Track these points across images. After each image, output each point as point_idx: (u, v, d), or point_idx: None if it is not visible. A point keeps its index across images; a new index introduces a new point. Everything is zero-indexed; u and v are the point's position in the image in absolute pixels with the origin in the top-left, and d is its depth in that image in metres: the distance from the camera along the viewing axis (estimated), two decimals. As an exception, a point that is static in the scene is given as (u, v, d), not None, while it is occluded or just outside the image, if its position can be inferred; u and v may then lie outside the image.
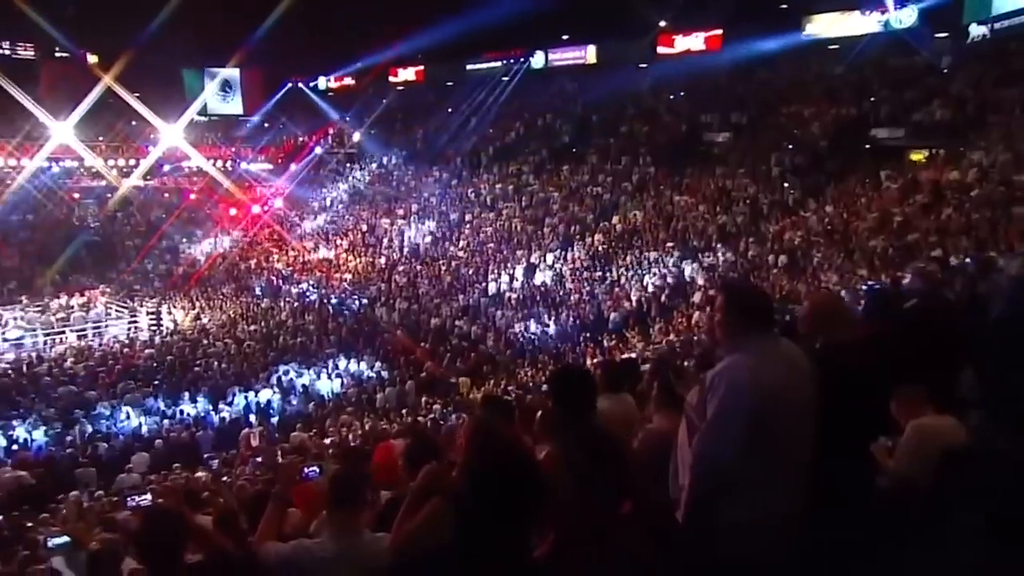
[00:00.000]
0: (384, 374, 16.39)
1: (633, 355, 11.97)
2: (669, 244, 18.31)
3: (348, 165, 32.48)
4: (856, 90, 20.90)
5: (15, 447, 12.77)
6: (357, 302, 21.44)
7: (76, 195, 30.93)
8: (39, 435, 13.20)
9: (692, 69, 25.08)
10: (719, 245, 17.46)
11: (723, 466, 2.50)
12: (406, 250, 24.29)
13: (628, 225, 20.19)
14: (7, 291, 25.70)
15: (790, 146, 20.35)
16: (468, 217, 24.74)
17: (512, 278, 19.97)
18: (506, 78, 29.95)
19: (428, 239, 24.52)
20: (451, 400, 13.90)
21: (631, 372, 4.79)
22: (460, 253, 22.72)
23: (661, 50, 26.48)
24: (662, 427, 3.37)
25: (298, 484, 3.62)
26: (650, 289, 16.87)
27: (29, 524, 8.60)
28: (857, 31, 21.96)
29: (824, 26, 22.96)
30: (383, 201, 28.78)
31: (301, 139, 34.59)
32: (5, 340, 20.48)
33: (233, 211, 30.24)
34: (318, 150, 33.01)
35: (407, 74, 34.21)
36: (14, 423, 13.44)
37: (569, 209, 22.42)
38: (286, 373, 16.33)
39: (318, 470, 3.27)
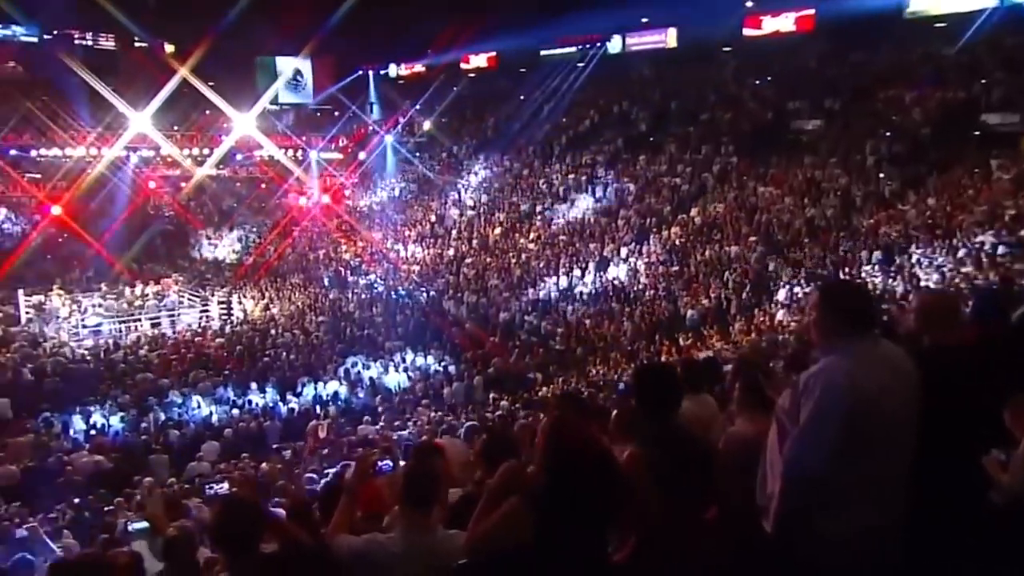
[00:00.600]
0: (451, 369, 16.60)
1: (711, 354, 11.75)
2: (752, 238, 17.87)
3: (418, 154, 32.98)
4: (966, 72, 19.83)
5: (93, 432, 13.53)
6: (424, 294, 21.77)
7: (152, 184, 32.51)
8: (115, 421, 13.95)
9: (780, 52, 24.28)
10: (807, 240, 16.94)
11: (816, 474, 2.43)
12: (475, 242, 24.49)
13: (708, 218, 19.80)
14: (85, 278, 27.30)
15: (887, 133, 19.50)
16: (539, 208, 24.77)
17: (584, 272, 19.90)
18: (581, 64, 29.74)
19: (498, 231, 24.67)
20: (520, 397, 13.97)
21: (713, 372, 4.71)
22: (531, 246, 22.77)
23: (747, 32, 25.75)
24: (746, 430, 3.30)
25: (372, 478, 3.70)
26: (730, 285, 16.52)
27: (108, 508, 9.14)
28: (968, 7, 20.78)
29: (930, 2, 21.84)
30: (452, 191, 29.12)
31: (371, 128, 35.30)
32: (84, 327, 21.73)
33: (303, 200, 31.16)
34: (388, 139, 33.60)
35: (479, 61, 34.39)
36: (92, 408, 14.25)
37: (645, 201, 22.16)
38: (354, 365, 16.75)
39: (391, 464, 3.32)
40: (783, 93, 23.88)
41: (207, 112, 31.44)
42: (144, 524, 5.82)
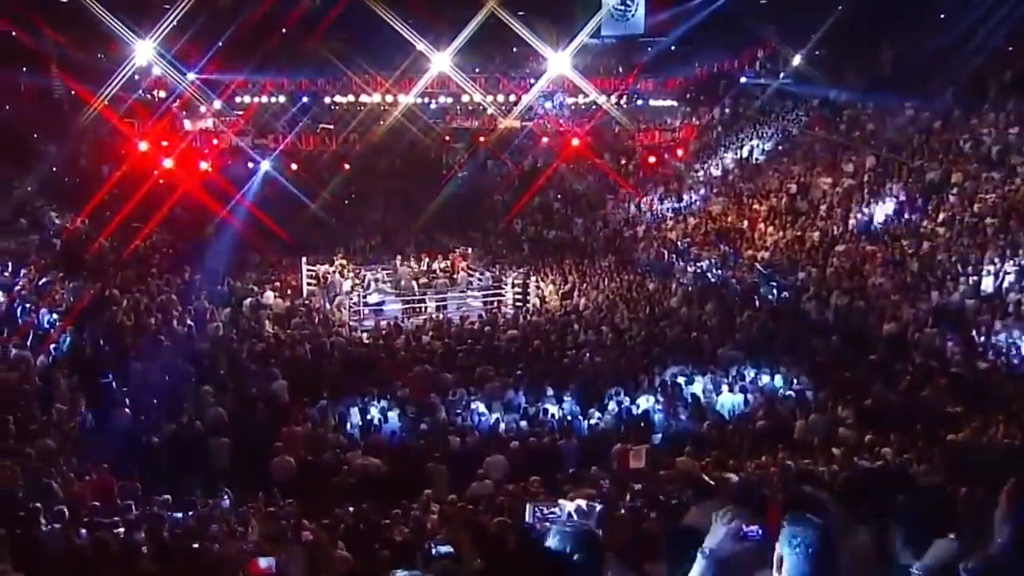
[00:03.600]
0: (808, 393, 15.86)
1: None
2: None
3: (779, 100, 32.03)
4: None
5: (369, 428, 15.23)
6: (776, 290, 21.20)
7: (447, 137, 35.78)
8: (392, 418, 15.56)
9: None
10: None
11: None
12: (852, 223, 23.15)
13: None
14: (369, 247, 30.92)
15: None
16: (956, 177, 22.63)
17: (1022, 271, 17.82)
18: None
19: (889, 207, 23.03)
20: (914, 443, 12.81)
21: None
22: (939, 230, 20.92)
23: None
24: None
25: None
26: None
27: (386, 521, 10.21)
28: None
29: None
30: (825, 152, 27.82)
31: (718, 67, 35.01)
32: (366, 304, 24.64)
33: (622, 160, 32.06)
34: (742, 80, 33.07)
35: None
36: (370, 401, 16.04)
37: None
38: (675, 377, 16.76)
39: (758, 531, 3.05)
40: None
41: (514, 50, 33.66)
42: (448, 548, 6.32)
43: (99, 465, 11.63)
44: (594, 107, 33.71)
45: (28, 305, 17.97)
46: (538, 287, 25.91)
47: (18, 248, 22.97)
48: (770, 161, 29.81)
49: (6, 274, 20.00)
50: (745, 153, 31.35)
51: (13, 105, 30.37)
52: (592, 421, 15.42)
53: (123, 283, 21.89)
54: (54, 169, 30.72)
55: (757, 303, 20.93)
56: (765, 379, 16.82)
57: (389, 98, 33.53)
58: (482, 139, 35.87)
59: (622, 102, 34.42)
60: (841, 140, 27.99)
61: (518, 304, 24.88)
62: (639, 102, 34.89)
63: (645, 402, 15.94)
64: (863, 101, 29.10)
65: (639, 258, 26.85)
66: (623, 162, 34.58)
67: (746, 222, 26.26)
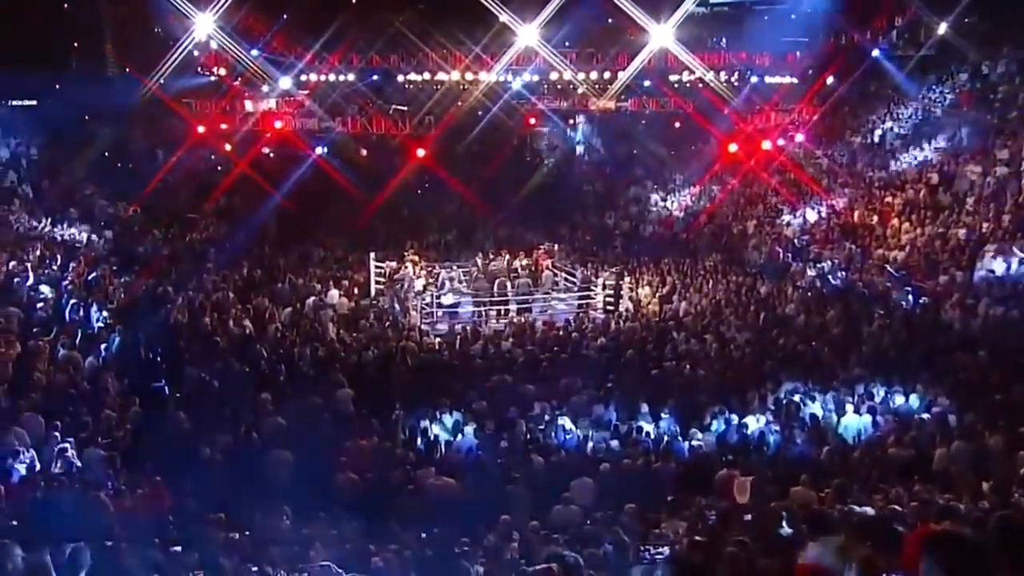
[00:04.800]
0: (950, 417, 15.38)
1: None
2: None
3: (920, 76, 31.19)
4: None
5: (444, 442, 15.29)
6: (912, 296, 20.81)
7: (532, 120, 35.79)
8: (467, 433, 15.58)
9: None
10: None
11: None
12: (1006, 219, 22.42)
13: None
14: (444, 242, 31.16)
15: None
16: None
17: None
18: None
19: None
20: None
21: None
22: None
23: None
24: None
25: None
26: None
27: (459, 549, 10.22)
28: None
29: None
30: (976, 136, 27.00)
31: (847, 37, 34.22)
32: (440, 306, 24.83)
33: (734, 147, 31.62)
34: (874, 53, 32.28)
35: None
36: (441, 413, 16.11)
37: None
38: (790, 395, 16.46)
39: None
40: None
41: (610, 21, 33.49)
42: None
43: (151, 478, 11.87)
44: (700, 85, 33.27)
45: (76, 301, 18.45)
46: (632, 289, 25.79)
47: (67, 239, 23.66)
48: (907, 146, 29.06)
49: (53, 267, 20.57)
50: (877, 137, 30.62)
51: (64, 84, 31.29)
52: (693, 442, 15.22)
53: (177, 279, 22.41)
54: (105, 154, 31.54)
55: (889, 311, 20.39)
56: (898, 399, 16.38)
57: (469, 76, 33.63)
58: (572, 122, 35.83)
59: (732, 79, 33.91)
60: (994, 121, 27.14)
61: (609, 308, 24.83)
62: (753, 79, 34.28)
63: (755, 422, 15.69)
64: (1022, 76, 28.15)
65: (749, 257, 26.51)
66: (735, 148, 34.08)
67: (876, 217, 25.67)
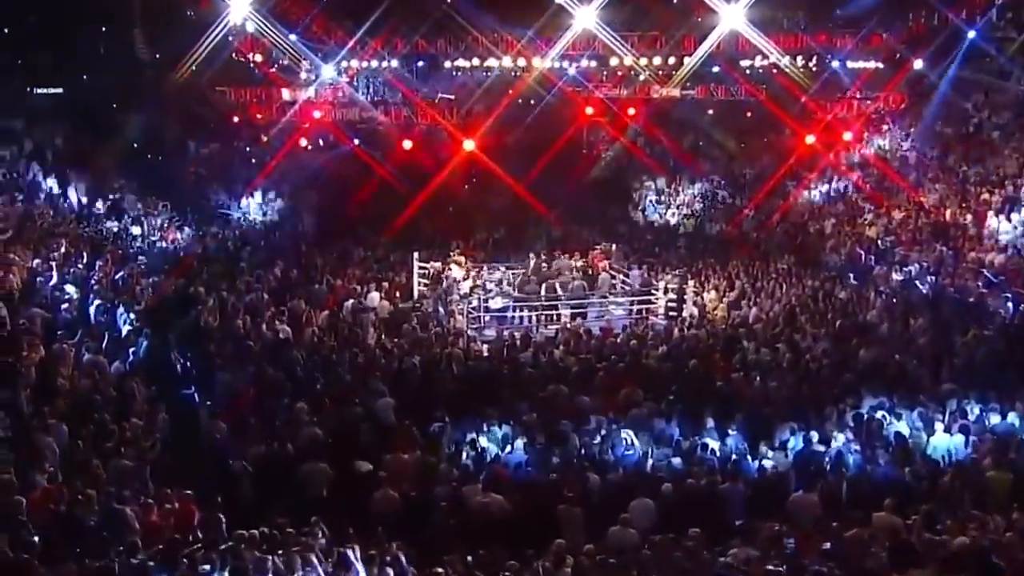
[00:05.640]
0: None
1: None
2: None
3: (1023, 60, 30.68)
4: None
5: (491, 457, 15.26)
6: (1010, 304, 20.62)
7: (589, 110, 35.68)
8: (517, 447, 15.53)
9: None
10: None
11: None
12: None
13: None
14: (492, 241, 31.15)
15: None
16: None
17: None
18: None
19: None
20: None
21: None
22: None
23: None
24: None
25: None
26: None
27: (507, 574, 10.21)
28: None
29: None
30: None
31: (940, 18, 33.69)
32: (487, 310, 24.86)
33: (811, 138, 31.35)
34: (971, 35, 31.78)
35: None
36: (488, 425, 16.10)
37: None
38: (872, 411, 16.23)
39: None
40: None
41: (675, 2, 33.35)
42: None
43: (180, 491, 11.99)
44: (774, 71, 32.99)
45: (103, 302, 18.67)
46: (697, 293, 25.64)
47: (93, 235, 23.94)
48: (1007, 138, 28.59)
49: (79, 265, 20.81)
50: (972, 128, 30.15)
51: (91, 70, 31.61)
52: (764, 462, 15.06)
53: (208, 279, 22.62)
54: (134, 144, 31.91)
55: (984, 320, 20.11)
56: (994, 418, 16.08)
57: (521, 62, 33.63)
58: (633, 111, 35.66)
59: (811, 64, 33.55)
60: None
61: (672, 314, 24.68)
62: (834, 64, 33.88)
63: (833, 441, 15.47)
64: None
65: (827, 259, 26.24)
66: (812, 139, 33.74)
67: (971, 215, 25.37)
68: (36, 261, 19.54)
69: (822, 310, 22.31)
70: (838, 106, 32.61)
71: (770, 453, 15.28)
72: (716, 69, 34.42)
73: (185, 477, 12.69)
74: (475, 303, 25.03)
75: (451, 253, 27.81)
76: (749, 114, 34.89)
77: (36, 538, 9.20)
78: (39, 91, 31.22)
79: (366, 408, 16.55)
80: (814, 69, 33.46)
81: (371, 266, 27.72)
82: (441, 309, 24.57)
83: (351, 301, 23.19)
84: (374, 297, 24.21)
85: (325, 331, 21.00)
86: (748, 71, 34.57)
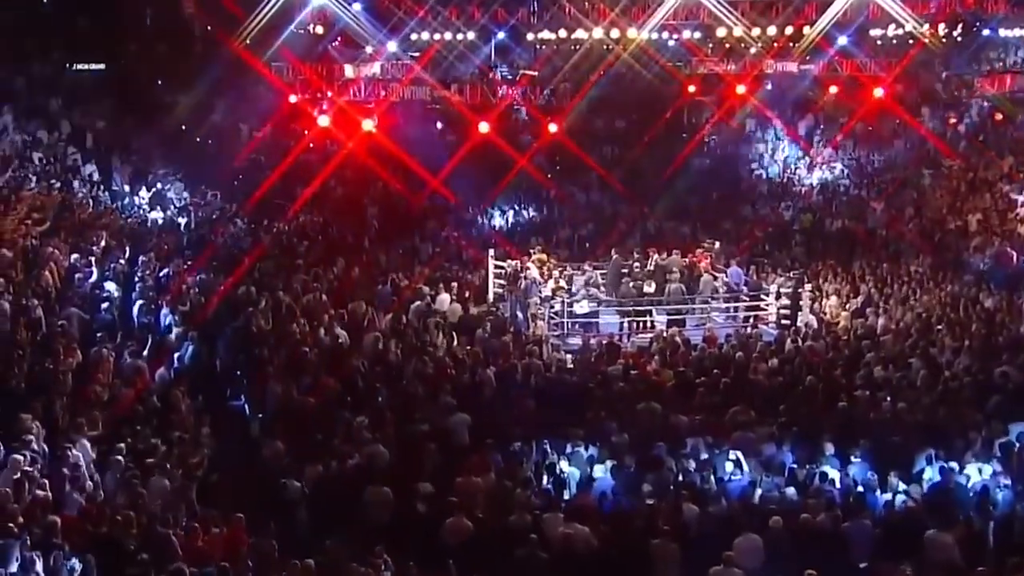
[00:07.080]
0: None
1: None
2: None
3: None
4: None
5: (575, 482, 15.25)
6: None
7: (692, 88, 35.40)
8: (604, 472, 15.50)
9: None
10: None
11: None
12: None
13: None
14: (578, 238, 31.09)
15: None
16: None
17: None
18: None
19: None
20: None
21: None
22: None
23: None
24: None
25: None
26: None
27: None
28: None
29: None
30: None
31: None
32: (571, 316, 24.82)
33: (953, 120, 30.84)
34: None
35: None
36: (572, 447, 16.08)
37: None
38: (1020, 439, 15.87)
39: None
40: None
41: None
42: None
43: (229, 514, 12.15)
44: (910, 42, 32.45)
45: (146, 302, 18.98)
46: (815, 299, 25.35)
47: (137, 229, 24.33)
48: None
49: (121, 261, 21.19)
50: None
51: (137, 46, 31.97)
52: (898, 495, 14.82)
53: (261, 277, 22.84)
54: (183, 127, 32.34)
55: None
56: None
57: (614, 33, 33.42)
58: (742, 89, 35.27)
59: (954, 34, 32.92)
60: None
61: (785, 322, 24.44)
62: (984, 33, 33.17)
63: (976, 472, 15.21)
64: None
65: (970, 261, 25.73)
66: (951, 121, 33.22)
67: None
68: (74, 256, 19.93)
69: (964, 320, 21.84)
70: (987, 81, 31.91)
71: (901, 486, 14.99)
72: (842, 40, 33.82)
73: (234, 498, 12.87)
74: (557, 307, 25.01)
75: (531, 251, 27.76)
76: (879, 91, 34.22)
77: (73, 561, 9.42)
78: (79, 67, 31.68)
79: (434, 425, 16.58)
80: (959, 39, 32.79)
81: (441, 264, 27.71)
82: (519, 314, 24.55)
83: (418, 303, 23.22)
84: (444, 299, 24.14)
85: (389, 337, 21.04)
86: (880, 42, 34.00)
